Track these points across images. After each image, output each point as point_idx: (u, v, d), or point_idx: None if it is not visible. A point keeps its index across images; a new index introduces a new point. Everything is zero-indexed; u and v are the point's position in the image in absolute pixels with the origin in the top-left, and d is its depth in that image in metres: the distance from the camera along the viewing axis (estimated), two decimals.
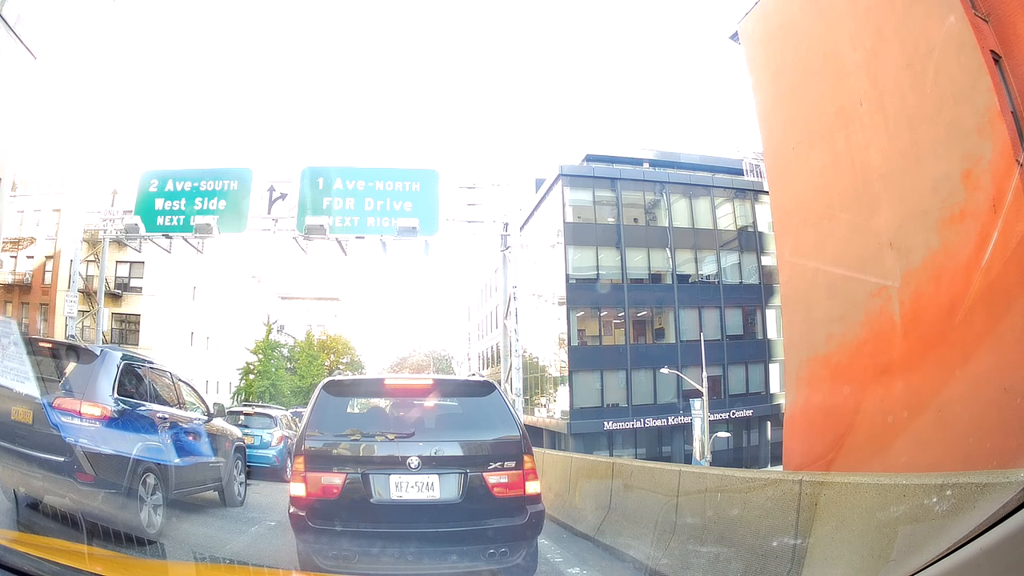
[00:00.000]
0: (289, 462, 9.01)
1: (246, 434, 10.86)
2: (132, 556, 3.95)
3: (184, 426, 6.98)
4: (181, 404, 7.19)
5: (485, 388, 5.13)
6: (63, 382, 5.52)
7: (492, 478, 4.45)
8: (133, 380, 6.22)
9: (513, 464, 4.53)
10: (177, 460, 6.50)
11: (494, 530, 4.44)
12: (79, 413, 5.27)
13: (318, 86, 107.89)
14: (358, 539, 4.33)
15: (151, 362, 7.20)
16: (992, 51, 9.83)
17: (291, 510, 4.43)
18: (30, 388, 4.83)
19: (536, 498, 4.58)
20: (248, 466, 9.10)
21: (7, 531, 4.16)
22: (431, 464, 4.42)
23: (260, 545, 6.04)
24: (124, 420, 5.73)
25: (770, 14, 15.30)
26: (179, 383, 7.40)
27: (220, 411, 8.99)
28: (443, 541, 4.41)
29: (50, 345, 6.37)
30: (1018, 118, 9.53)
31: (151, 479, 5.76)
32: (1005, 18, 10.07)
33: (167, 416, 6.60)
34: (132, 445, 5.62)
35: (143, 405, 6.21)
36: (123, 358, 6.14)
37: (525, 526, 4.47)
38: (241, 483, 8.51)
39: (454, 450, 4.60)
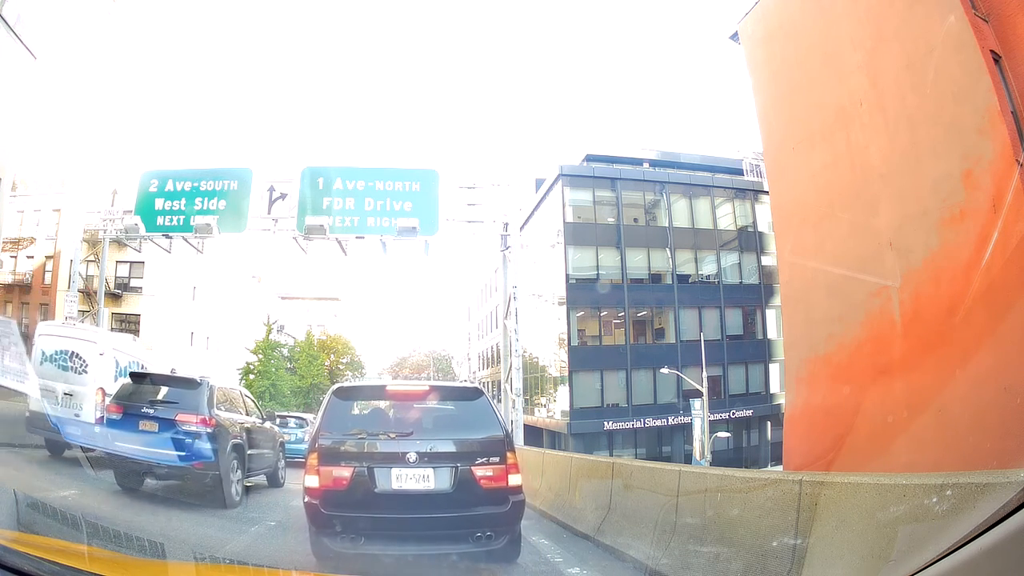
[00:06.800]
0: None
1: (284, 433, 13.02)
2: (132, 556, 3.94)
3: (251, 428, 9.28)
4: (247, 412, 9.65)
5: (474, 393, 5.89)
6: (181, 403, 8.03)
7: (479, 471, 5.04)
8: (220, 397, 8.61)
9: (497, 459, 5.11)
10: (249, 451, 8.84)
11: (481, 516, 5.01)
12: (193, 423, 7.75)
13: (318, 86, 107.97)
14: (364, 523, 4.93)
15: (229, 385, 10.13)
16: (992, 51, 9.82)
17: (306, 499, 5.02)
18: (157, 407, 7.95)
19: (517, 489, 5.15)
20: (287, 457, 11.55)
21: (7, 531, 4.15)
22: (427, 459, 5.01)
23: (260, 545, 6.03)
24: (219, 426, 8.05)
25: (770, 14, 15.30)
26: (245, 397, 10.11)
27: (270, 416, 11.96)
28: (437, 525, 5.03)
29: (168, 376, 9.23)
30: (1018, 118, 9.52)
31: (236, 464, 8.22)
32: (1005, 18, 10.07)
33: (241, 422, 8.99)
34: (225, 442, 8.03)
35: (227, 414, 8.59)
36: (213, 384, 8.59)
37: (508, 513, 5.07)
38: (282, 468, 10.87)
39: (447, 447, 5.21)
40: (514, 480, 5.11)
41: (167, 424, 7.70)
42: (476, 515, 4.99)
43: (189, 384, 8.44)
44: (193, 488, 7.79)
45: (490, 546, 5.02)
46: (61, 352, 11.34)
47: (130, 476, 8.02)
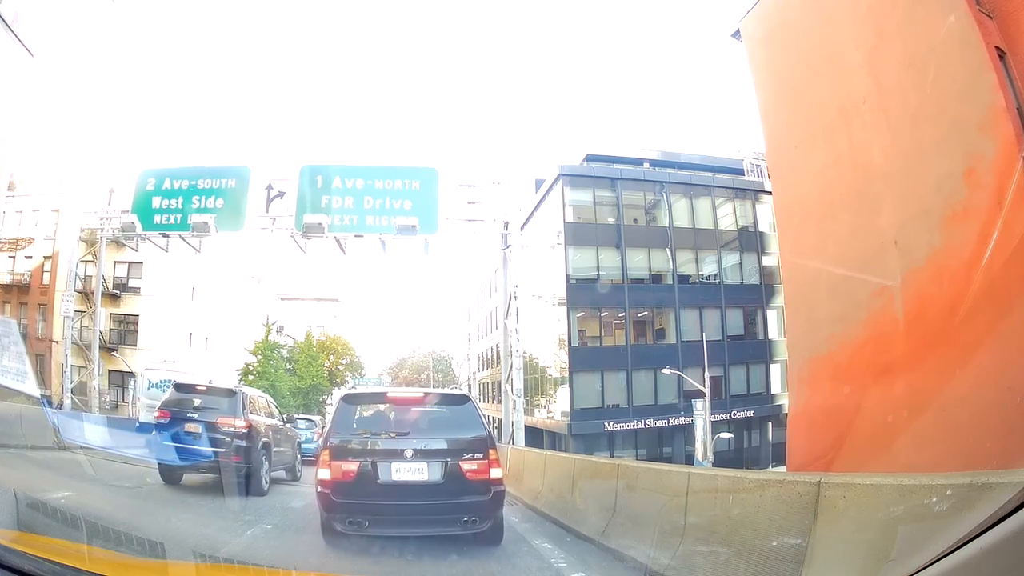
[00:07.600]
0: None
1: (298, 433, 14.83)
2: (132, 556, 3.94)
3: (275, 429, 10.90)
4: (272, 415, 11.25)
5: (462, 399, 6.92)
6: (219, 408, 9.53)
7: (465, 465, 5.89)
8: (251, 403, 10.21)
9: (481, 455, 5.96)
10: (275, 448, 10.51)
11: (467, 504, 5.82)
12: (231, 426, 9.30)
13: (317, 85, 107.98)
14: (367, 509, 5.75)
15: (258, 393, 11.87)
16: (997, 47, 9.77)
17: (318, 490, 5.86)
18: (201, 412, 9.40)
19: (499, 481, 6.00)
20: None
21: (7, 531, 4.15)
22: (421, 455, 5.89)
23: (259, 545, 6.03)
24: (251, 427, 9.60)
25: (772, 13, 15.27)
26: (270, 403, 11.80)
27: (290, 418, 14.42)
28: (429, 511, 5.88)
29: (208, 386, 10.59)
30: (1022, 115, 9.46)
31: (265, 459, 9.78)
32: (1009, 14, 10.02)
33: (268, 424, 10.54)
34: (257, 440, 9.66)
35: (257, 418, 10.09)
36: (247, 392, 10.42)
37: (490, 501, 5.91)
38: (299, 464, 12.55)
39: (438, 444, 6.05)
40: (495, 473, 5.93)
41: (209, 426, 9.18)
42: (463, 503, 5.81)
43: (227, 393, 10.12)
44: (231, 479, 8.96)
45: (475, 530, 5.86)
46: (164, 381, 15.96)
47: (175, 470, 9.44)
